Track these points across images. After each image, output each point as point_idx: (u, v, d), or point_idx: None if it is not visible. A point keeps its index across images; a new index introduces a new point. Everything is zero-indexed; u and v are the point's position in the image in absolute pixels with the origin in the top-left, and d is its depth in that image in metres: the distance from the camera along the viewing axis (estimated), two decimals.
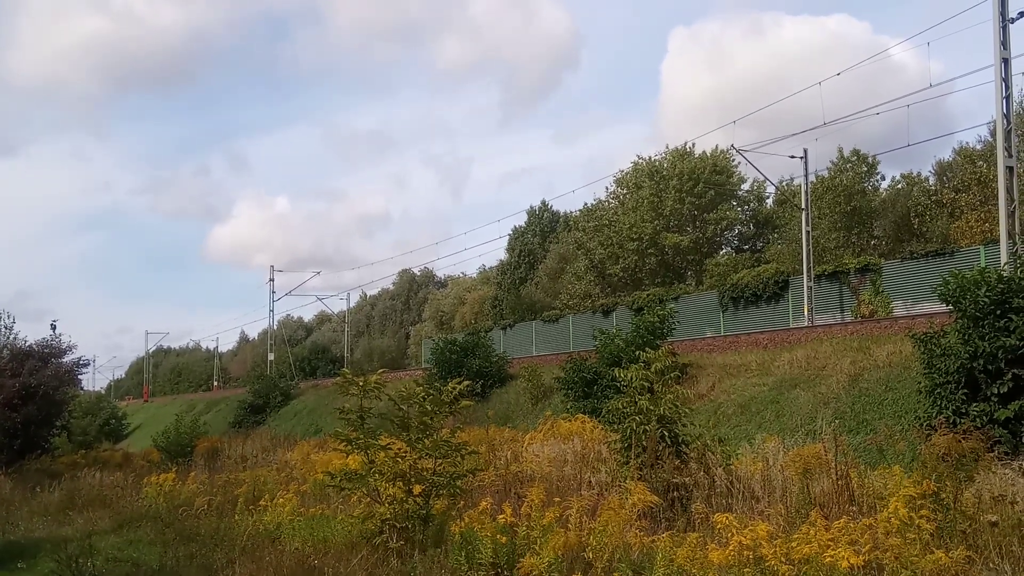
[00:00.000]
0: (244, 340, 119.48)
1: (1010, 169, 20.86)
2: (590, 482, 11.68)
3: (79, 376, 29.55)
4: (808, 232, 33.26)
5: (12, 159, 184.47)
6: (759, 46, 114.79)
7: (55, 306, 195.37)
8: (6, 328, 27.57)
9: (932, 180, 45.10)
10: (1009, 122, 21.04)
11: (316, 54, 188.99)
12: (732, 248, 54.00)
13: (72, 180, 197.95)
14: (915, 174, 46.44)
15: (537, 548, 7.96)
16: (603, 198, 58.48)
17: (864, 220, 44.05)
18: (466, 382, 11.12)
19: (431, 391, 10.71)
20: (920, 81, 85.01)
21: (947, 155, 44.21)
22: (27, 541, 12.78)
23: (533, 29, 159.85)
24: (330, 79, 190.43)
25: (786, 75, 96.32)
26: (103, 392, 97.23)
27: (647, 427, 10.97)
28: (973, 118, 67.21)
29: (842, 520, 6.64)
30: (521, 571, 7.68)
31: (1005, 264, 16.85)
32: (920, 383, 14.33)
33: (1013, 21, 21.02)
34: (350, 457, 12.18)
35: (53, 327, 27.31)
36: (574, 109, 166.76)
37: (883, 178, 47.40)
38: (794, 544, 6.37)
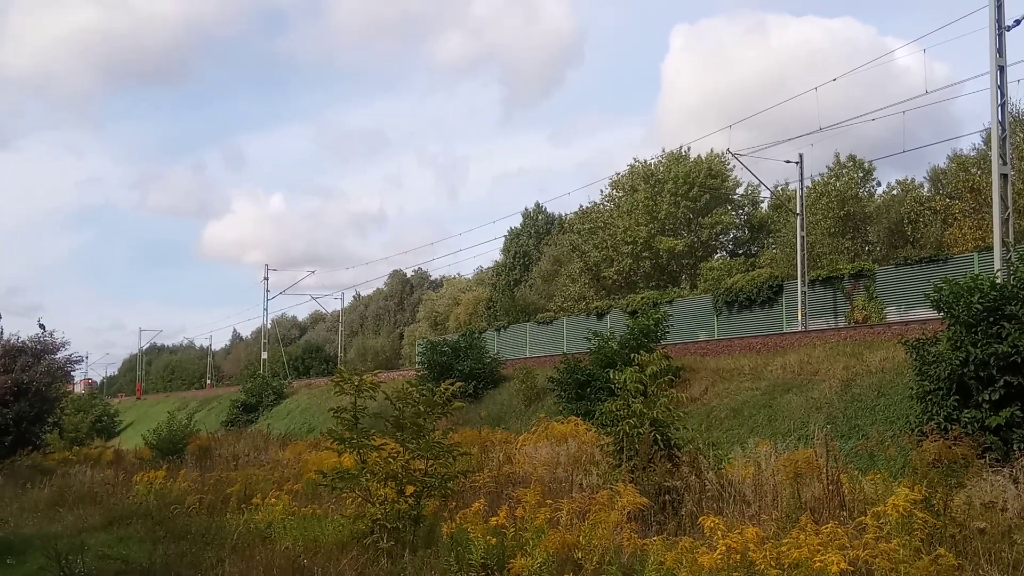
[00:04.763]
0: (237, 338, 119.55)
1: (1004, 176, 20.90)
2: (582, 484, 11.67)
3: (72, 372, 29.46)
4: (803, 237, 33.30)
5: (3, 152, 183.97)
6: (762, 47, 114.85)
7: (46, 302, 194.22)
8: None
9: (927, 187, 45.30)
10: (1004, 129, 21.06)
11: (315, 49, 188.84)
12: (727, 252, 54.10)
13: (64, 174, 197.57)
14: (911, 180, 46.70)
15: (528, 549, 7.95)
16: (598, 201, 58.67)
17: (858, 226, 44.17)
18: (458, 383, 11.11)
19: (423, 392, 10.71)
20: (923, 85, 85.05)
21: (942, 161, 44.44)
22: (16, 537, 12.72)
23: (535, 26, 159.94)
24: (328, 75, 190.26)
25: (790, 77, 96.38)
26: (95, 388, 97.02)
27: (640, 430, 10.98)
28: (977, 122, 67.14)
29: (830, 524, 6.64)
30: (512, 572, 7.67)
31: (998, 271, 16.88)
32: (912, 389, 14.37)
33: (1009, 29, 21.07)
34: (343, 456, 12.17)
35: (42, 326, 27.13)
36: (573, 110, 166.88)
37: (878, 184, 47.64)
38: (784, 549, 6.37)
